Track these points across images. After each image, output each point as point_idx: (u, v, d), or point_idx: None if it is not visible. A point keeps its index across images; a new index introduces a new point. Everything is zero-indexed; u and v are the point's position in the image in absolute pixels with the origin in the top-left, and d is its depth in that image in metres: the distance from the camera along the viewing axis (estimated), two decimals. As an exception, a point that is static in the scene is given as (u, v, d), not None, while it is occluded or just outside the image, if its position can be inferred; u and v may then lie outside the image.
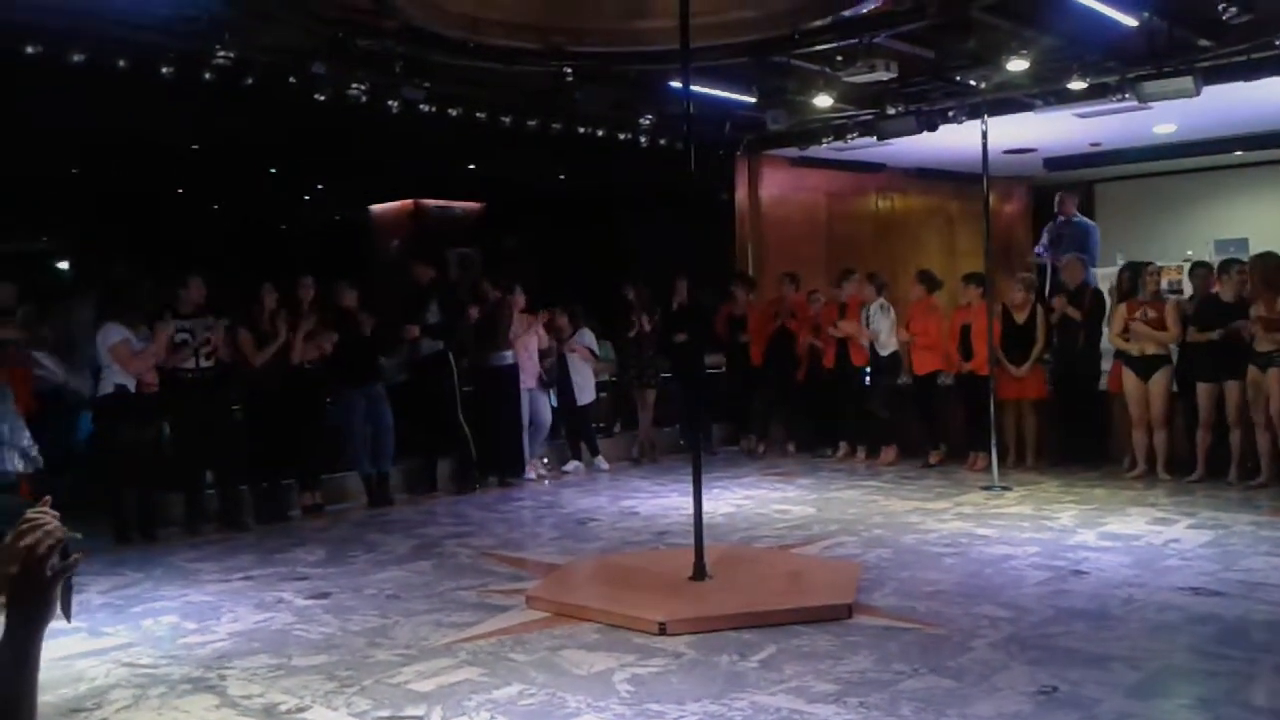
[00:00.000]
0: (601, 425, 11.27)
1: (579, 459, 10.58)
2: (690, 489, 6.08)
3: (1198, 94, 8.59)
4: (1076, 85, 8.93)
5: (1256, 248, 9.73)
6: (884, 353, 10.25)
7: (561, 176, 14.90)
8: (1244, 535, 6.74)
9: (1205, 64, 8.55)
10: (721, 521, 7.69)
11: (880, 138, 10.70)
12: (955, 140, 10.61)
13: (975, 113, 9.51)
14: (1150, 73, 8.66)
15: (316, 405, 8.75)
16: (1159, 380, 8.78)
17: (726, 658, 4.66)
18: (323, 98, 8.58)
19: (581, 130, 10.79)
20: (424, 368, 9.48)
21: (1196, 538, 6.72)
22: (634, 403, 11.12)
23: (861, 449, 10.54)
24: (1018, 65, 8.50)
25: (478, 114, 9.83)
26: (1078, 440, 9.55)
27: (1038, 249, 11.55)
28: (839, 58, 8.29)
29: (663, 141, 11.19)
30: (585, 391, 10.54)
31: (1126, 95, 8.97)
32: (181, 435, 8.07)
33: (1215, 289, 8.68)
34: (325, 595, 6.04)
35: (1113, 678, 4.27)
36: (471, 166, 14.41)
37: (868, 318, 10.27)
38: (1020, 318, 9.59)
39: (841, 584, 5.68)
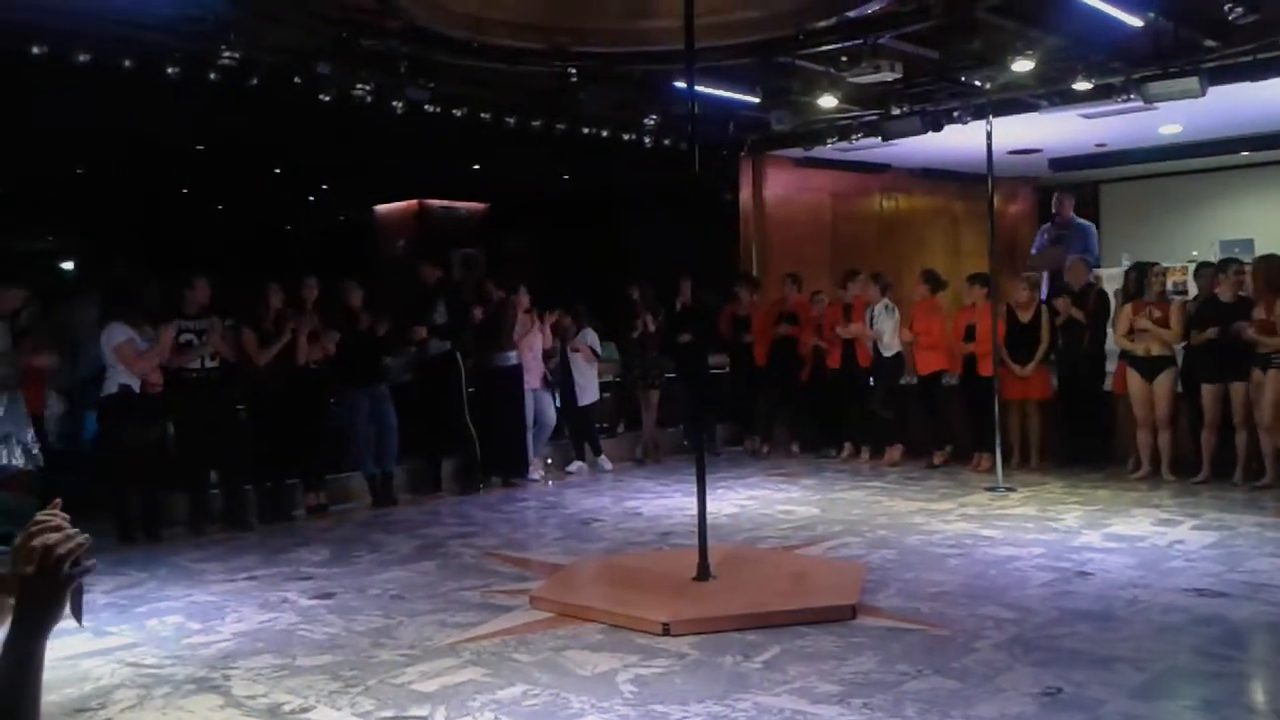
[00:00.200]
0: (605, 425, 11.27)
1: (583, 459, 10.59)
2: (694, 489, 6.07)
3: (1203, 94, 8.58)
4: (1082, 86, 8.92)
5: (1262, 248, 9.73)
6: (887, 353, 10.24)
7: (566, 177, 14.91)
8: (1249, 536, 6.72)
9: (1211, 64, 8.54)
10: (725, 522, 7.68)
11: (885, 138, 10.69)
12: (960, 141, 10.61)
13: (980, 113, 9.52)
14: (1156, 73, 8.65)
15: (321, 405, 8.75)
16: (1164, 381, 8.76)
17: (730, 658, 4.65)
18: (327, 98, 8.59)
19: (586, 131, 10.79)
20: (431, 368, 9.49)
21: (1201, 539, 6.70)
22: (638, 403, 11.12)
23: (866, 449, 10.53)
24: (1023, 66, 8.49)
25: (482, 114, 9.83)
26: (1082, 441, 9.54)
27: (1034, 252, 11.41)
28: (844, 58, 8.28)
29: (667, 142, 11.19)
30: (587, 392, 10.54)
31: (1132, 96, 8.95)
32: (186, 435, 8.06)
33: (1218, 289, 8.67)
34: (329, 595, 6.04)
35: (1117, 679, 4.26)
36: (476, 167, 14.42)
37: (872, 318, 10.27)
38: (1025, 316, 9.58)
39: (845, 585, 5.67)
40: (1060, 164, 13.43)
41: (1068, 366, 9.59)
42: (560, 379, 10.53)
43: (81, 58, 7.38)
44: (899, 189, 14.14)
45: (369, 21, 7.81)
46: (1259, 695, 4.22)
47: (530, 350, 9.97)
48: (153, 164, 12.50)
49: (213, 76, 7.91)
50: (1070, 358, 9.55)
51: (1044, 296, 10.17)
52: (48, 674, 1.61)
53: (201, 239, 14.67)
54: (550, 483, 9.98)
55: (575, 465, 10.54)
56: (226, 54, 7.71)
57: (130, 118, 9.96)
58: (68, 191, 13.86)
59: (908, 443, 10.30)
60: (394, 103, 8.82)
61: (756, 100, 9.87)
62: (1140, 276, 9.06)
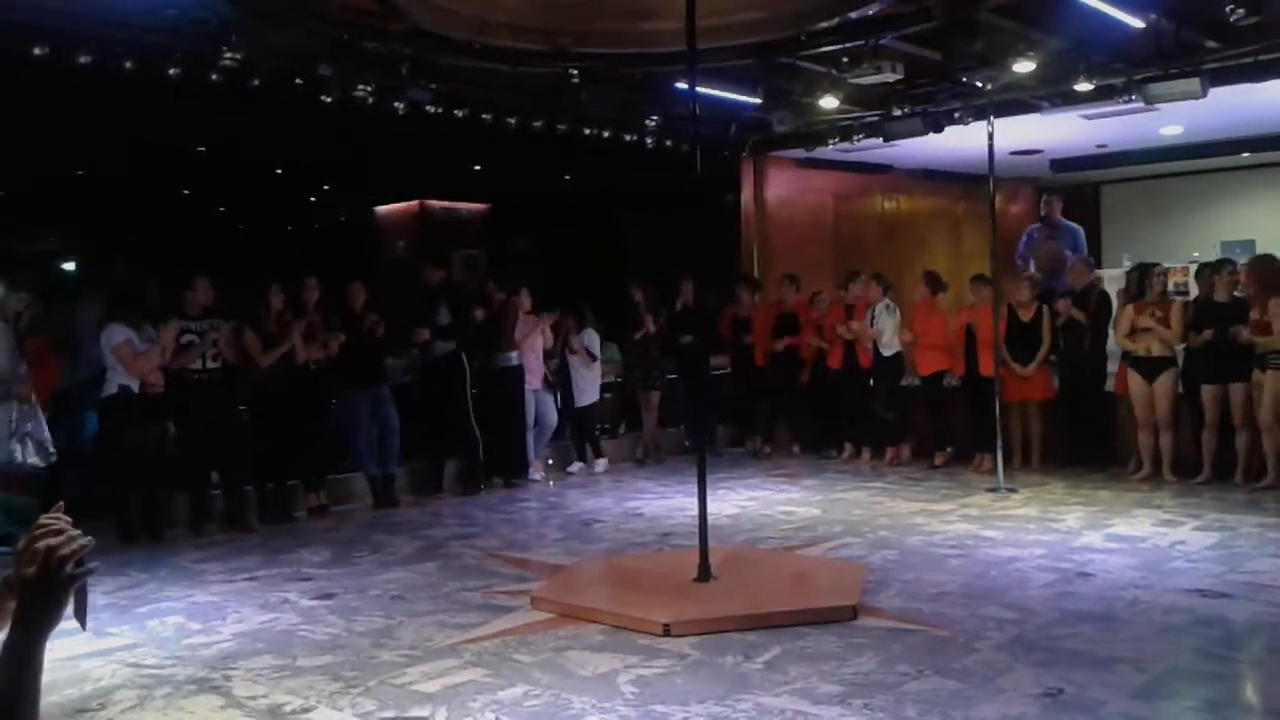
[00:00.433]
0: (606, 426, 11.27)
1: (583, 460, 10.59)
2: (695, 490, 6.08)
3: (1204, 96, 8.58)
4: (1083, 87, 8.91)
5: (1263, 249, 9.73)
6: (887, 354, 10.24)
7: (567, 178, 14.92)
8: (1250, 537, 6.72)
9: (1212, 65, 8.53)
10: (726, 523, 7.68)
11: (886, 139, 10.69)
12: (961, 142, 10.61)
13: (981, 114, 9.52)
14: (1157, 74, 8.65)
15: (322, 406, 8.75)
16: (1164, 382, 8.76)
17: (731, 659, 4.66)
18: (329, 99, 8.58)
19: (587, 132, 10.78)
20: (436, 369, 9.49)
21: (1203, 539, 6.70)
22: (639, 404, 11.12)
23: (866, 450, 10.53)
24: (1024, 67, 8.48)
25: (483, 115, 9.82)
26: (1083, 442, 9.53)
27: (1022, 250, 11.33)
28: (845, 59, 8.27)
29: (668, 143, 11.18)
30: (586, 393, 10.53)
31: (1133, 97, 8.95)
32: (187, 436, 8.07)
33: (1213, 290, 8.67)
34: (330, 596, 6.05)
35: (1118, 680, 4.26)
36: (477, 168, 14.43)
37: (872, 317, 10.26)
38: (1025, 316, 9.58)
39: (846, 585, 5.67)
40: (1061, 165, 13.43)
41: (1069, 367, 9.59)
42: (561, 380, 10.54)
43: (83, 58, 7.36)
44: (900, 190, 14.14)
45: (371, 23, 7.80)
46: (1260, 696, 4.22)
47: (532, 351, 9.97)
48: (154, 165, 12.51)
49: (214, 78, 7.90)
50: (1072, 359, 9.55)
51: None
52: (48, 675, 1.61)
53: (202, 240, 14.70)
54: (551, 483, 9.98)
55: (575, 466, 10.55)
56: (228, 55, 7.71)
57: (131, 119, 9.97)
58: (69, 192, 13.89)
59: (909, 443, 10.30)
60: (395, 104, 8.81)
61: (758, 101, 9.87)
62: (1141, 277, 9.05)
